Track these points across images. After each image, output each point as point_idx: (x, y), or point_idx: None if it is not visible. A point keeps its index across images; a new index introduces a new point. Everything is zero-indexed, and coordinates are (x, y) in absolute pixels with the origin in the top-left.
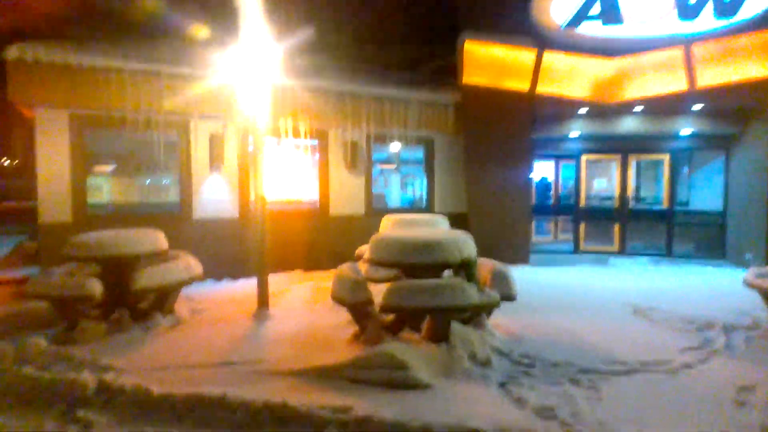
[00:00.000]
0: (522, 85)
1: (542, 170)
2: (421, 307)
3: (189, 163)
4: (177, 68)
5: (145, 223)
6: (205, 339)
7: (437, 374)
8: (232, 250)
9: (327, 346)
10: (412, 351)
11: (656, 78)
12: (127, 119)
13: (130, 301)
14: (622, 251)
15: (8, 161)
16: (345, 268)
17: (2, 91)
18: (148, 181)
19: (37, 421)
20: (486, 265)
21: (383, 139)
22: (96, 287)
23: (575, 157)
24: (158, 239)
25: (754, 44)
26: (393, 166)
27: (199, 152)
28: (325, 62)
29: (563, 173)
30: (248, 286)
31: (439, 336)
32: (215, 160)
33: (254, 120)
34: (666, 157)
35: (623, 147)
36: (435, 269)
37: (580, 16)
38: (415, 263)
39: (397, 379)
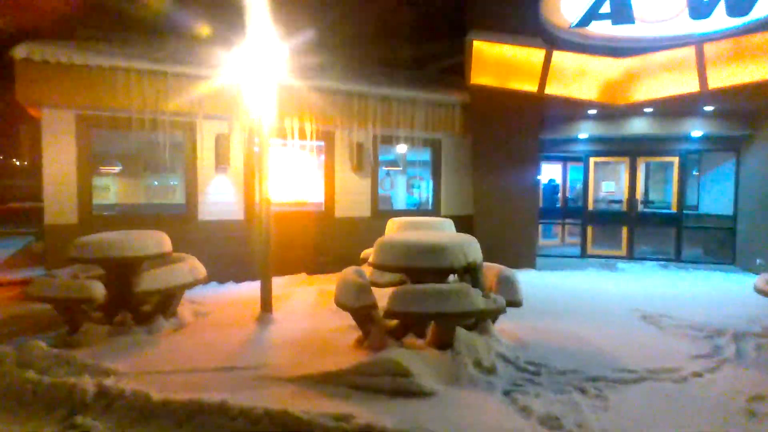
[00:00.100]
0: (530, 86)
1: (550, 172)
2: (426, 312)
3: (194, 163)
4: (183, 68)
5: (151, 224)
6: (207, 343)
7: (441, 381)
8: (236, 252)
9: (330, 351)
10: (416, 357)
11: (667, 79)
12: (133, 120)
13: (133, 303)
14: (630, 255)
15: (18, 162)
16: (349, 272)
17: (10, 90)
18: (155, 182)
19: (36, 427)
20: (492, 270)
21: (390, 141)
22: (98, 290)
23: (583, 159)
24: (162, 241)
25: None
26: (399, 168)
27: (205, 153)
28: (331, 62)
29: (571, 175)
30: (252, 289)
31: (444, 342)
32: (221, 161)
33: (260, 121)
34: (675, 160)
35: (632, 149)
36: (440, 274)
37: (590, 16)
38: (419, 267)
39: (400, 386)
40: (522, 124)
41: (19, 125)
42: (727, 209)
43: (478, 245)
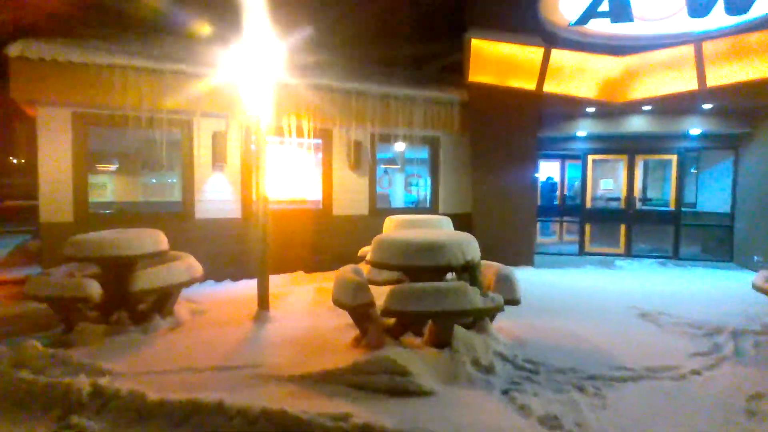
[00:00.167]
0: (529, 84)
1: (548, 170)
2: (424, 311)
3: (191, 161)
4: (180, 66)
5: (147, 222)
6: (204, 342)
7: (439, 380)
8: (234, 250)
9: (327, 349)
10: (413, 356)
11: (665, 77)
12: (130, 117)
13: (129, 302)
14: (628, 253)
15: (15, 160)
16: (346, 270)
17: (5, 88)
18: (153, 180)
19: (31, 427)
20: (490, 268)
21: (388, 138)
22: (94, 288)
23: (581, 156)
24: (159, 240)
25: (766, 42)
26: (397, 166)
27: (202, 151)
28: (329, 60)
29: (569, 173)
30: (249, 287)
31: (442, 341)
32: (218, 159)
33: (257, 118)
34: (674, 158)
35: (630, 147)
36: (438, 272)
37: (589, 14)
38: (417, 266)
39: (398, 386)
40: (520, 122)
41: (14, 123)
42: (724, 207)
43: (476, 243)
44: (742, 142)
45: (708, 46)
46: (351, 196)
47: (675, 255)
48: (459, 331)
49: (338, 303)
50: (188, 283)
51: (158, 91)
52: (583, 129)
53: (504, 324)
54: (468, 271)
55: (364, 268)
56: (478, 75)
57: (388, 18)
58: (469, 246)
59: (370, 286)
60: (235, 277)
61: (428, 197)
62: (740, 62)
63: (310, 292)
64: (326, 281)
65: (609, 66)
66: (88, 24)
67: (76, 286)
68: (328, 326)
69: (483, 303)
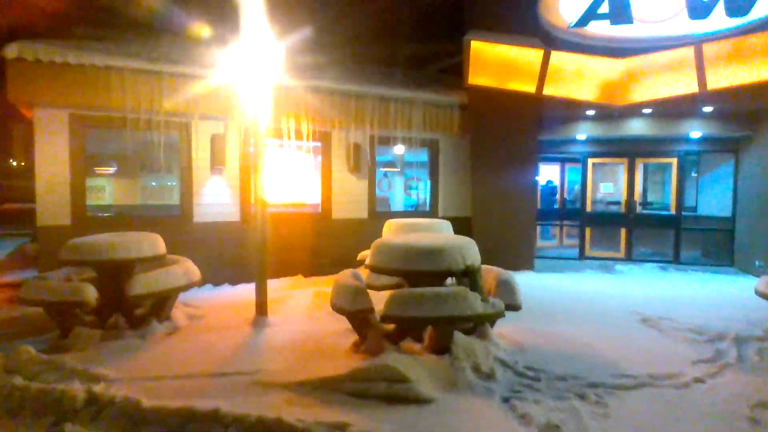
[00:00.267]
0: (528, 86)
1: (548, 174)
2: (424, 317)
3: (189, 164)
4: (178, 68)
5: (145, 225)
6: (201, 347)
7: (439, 387)
8: (232, 254)
9: (326, 355)
10: (413, 363)
11: (666, 79)
12: (128, 120)
13: (126, 307)
14: (628, 257)
15: (15, 162)
16: (345, 275)
17: (2, 90)
18: (153, 183)
19: None
20: (490, 273)
21: (387, 141)
22: (90, 293)
23: (581, 160)
24: (156, 243)
25: (767, 44)
26: (397, 169)
27: (200, 154)
28: (328, 62)
29: (569, 176)
30: (248, 291)
31: (442, 347)
32: (216, 162)
33: (255, 121)
34: (674, 161)
35: (630, 150)
36: (438, 277)
37: (589, 16)
38: (417, 270)
39: (397, 393)
40: (520, 125)
41: (12, 125)
42: (725, 211)
43: (476, 248)
44: (743, 145)
45: (708, 48)
46: (350, 199)
47: (675, 259)
48: (459, 336)
49: (337, 308)
50: (186, 288)
51: (156, 92)
52: (582, 132)
53: (504, 329)
54: (468, 276)
55: (364, 272)
56: (477, 77)
57: (387, 20)
58: (469, 250)
59: (369, 291)
60: (234, 281)
61: (428, 200)
62: (741, 64)
63: (309, 296)
64: (325, 285)
65: (609, 68)
66: (86, 25)
67: (72, 291)
68: (326, 331)
69: (484, 308)
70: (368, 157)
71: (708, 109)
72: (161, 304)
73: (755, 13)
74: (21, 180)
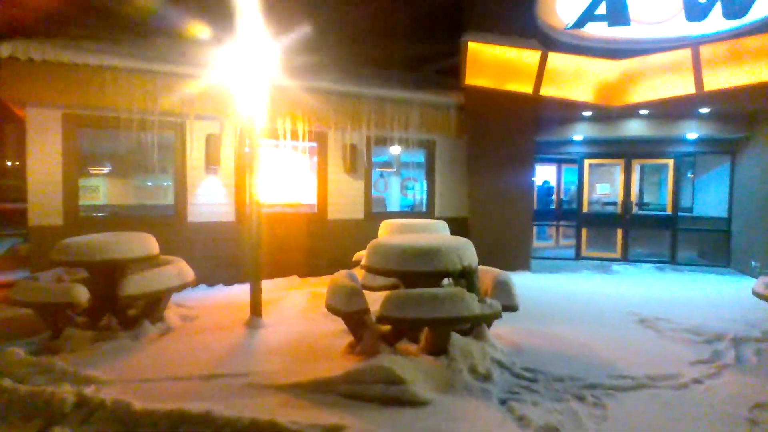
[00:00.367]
0: (526, 87)
1: (544, 174)
2: (420, 318)
3: (184, 164)
4: (172, 67)
5: (139, 226)
6: (194, 348)
7: (436, 389)
8: (227, 254)
9: (321, 357)
10: (409, 364)
11: (662, 81)
12: (122, 119)
13: (118, 307)
14: (624, 258)
15: (9, 162)
16: (341, 275)
17: None
18: (149, 183)
19: None
20: (487, 274)
21: (383, 142)
22: (82, 294)
23: (578, 161)
24: (149, 243)
25: (764, 46)
26: (393, 170)
27: (195, 154)
28: (324, 62)
29: (565, 177)
30: (242, 292)
31: (439, 348)
32: (211, 162)
33: (251, 121)
34: (670, 162)
35: (627, 151)
36: (434, 278)
37: (586, 17)
38: (413, 271)
39: (393, 395)
40: (517, 126)
41: (4, 124)
42: (721, 211)
43: (473, 248)
44: (739, 146)
45: (705, 50)
46: (346, 199)
47: (672, 260)
48: (456, 338)
49: (332, 309)
50: (179, 288)
51: (150, 92)
52: (579, 133)
53: (501, 330)
54: (465, 277)
55: (359, 273)
56: (474, 78)
57: (384, 20)
58: (466, 251)
59: (365, 291)
60: (228, 282)
61: (424, 201)
62: (738, 66)
63: (304, 297)
64: (321, 286)
65: (606, 69)
66: (80, 24)
67: (62, 292)
68: (321, 332)
69: (481, 309)
70: (364, 158)
71: (704, 110)
72: (154, 304)
73: (752, 15)
74: (14, 180)
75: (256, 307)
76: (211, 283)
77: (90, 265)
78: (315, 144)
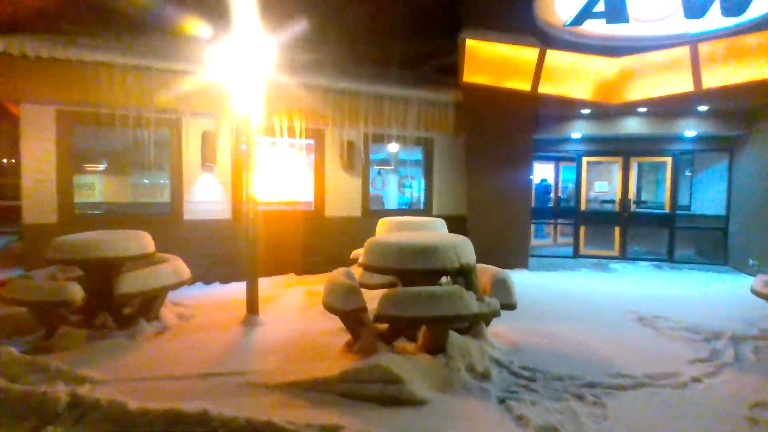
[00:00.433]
0: (524, 85)
1: (542, 172)
2: (418, 316)
3: (180, 162)
4: (168, 64)
5: (135, 223)
6: (190, 347)
7: (433, 388)
8: (224, 252)
9: (318, 355)
10: (407, 363)
11: (661, 78)
12: (117, 116)
13: (113, 306)
14: (622, 256)
15: (5, 160)
16: (338, 273)
17: None
18: (146, 180)
19: None
20: (486, 272)
21: (381, 139)
22: (76, 292)
23: (576, 158)
24: (145, 241)
25: (762, 44)
26: (391, 167)
27: (191, 151)
28: (321, 58)
29: (563, 175)
30: (239, 290)
31: (436, 347)
32: (207, 160)
33: (247, 118)
34: (668, 160)
35: (625, 149)
36: (432, 276)
37: (584, 14)
38: (411, 269)
39: (391, 394)
40: (515, 124)
41: None
42: (719, 209)
43: (471, 246)
44: (737, 144)
45: (704, 48)
46: (343, 197)
47: (670, 258)
48: (454, 336)
49: (329, 307)
50: (175, 286)
51: (146, 89)
52: (577, 131)
53: (499, 328)
54: (463, 275)
55: (357, 271)
56: (472, 75)
57: (382, 17)
58: (464, 249)
59: (362, 290)
60: (225, 280)
61: (422, 199)
62: (736, 64)
63: (301, 295)
64: (318, 284)
65: (604, 67)
66: (74, 20)
67: (56, 290)
68: (318, 330)
69: (479, 308)
70: (362, 155)
71: (703, 108)
72: (150, 303)
73: (751, 13)
74: (8, 177)
75: (252, 305)
76: (207, 281)
77: (85, 263)
78: (312, 141)
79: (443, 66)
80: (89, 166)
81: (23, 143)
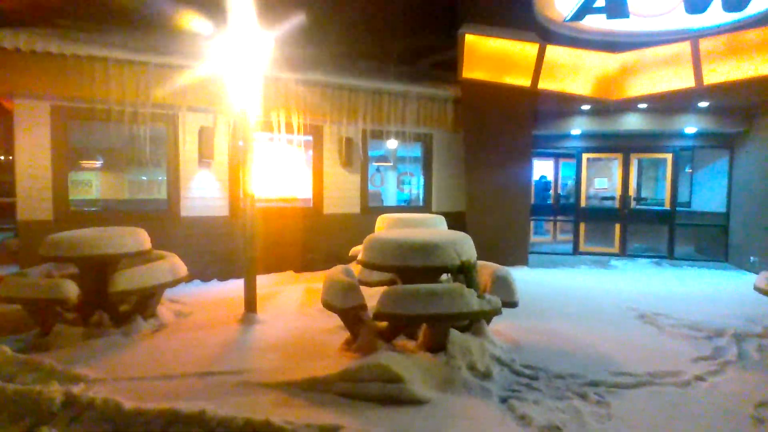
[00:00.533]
0: (523, 81)
1: (541, 169)
2: (418, 314)
3: (177, 158)
4: (164, 58)
5: (131, 220)
6: (187, 345)
7: (434, 387)
8: (221, 249)
9: (317, 354)
10: (407, 362)
11: (662, 74)
12: (113, 111)
13: (109, 303)
14: (622, 253)
15: (3, 157)
16: (337, 270)
17: None
18: (144, 177)
19: None
20: (486, 269)
21: (380, 135)
22: (71, 289)
23: (576, 155)
24: (141, 238)
25: (764, 40)
26: (389, 164)
27: (188, 147)
28: (320, 54)
29: (563, 172)
30: (237, 287)
31: (437, 345)
32: (204, 156)
33: (245, 114)
34: (669, 156)
35: (625, 145)
36: (432, 273)
37: (585, 10)
38: (411, 267)
39: (391, 394)
40: (515, 120)
41: None
42: (720, 206)
43: (471, 243)
44: (738, 140)
45: (705, 43)
46: (342, 194)
47: (670, 255)
48: (455, 334)
49: (328, 305)
50: (172, 284)
51: (142, 84)
52: (577, 127)
53: (499, 326)
54: (464, 272)
55: (356, 268)
56: (472, 71)
57: (380, 13)
58: (465, 246)
59: (361, 287)
60: (223, 277)
61: (421, 195)
62: (737, 60)
63: (299, 292)
64: (316, 281)
65: (605, 63)
66: (69, 14)
67: (51, 288)
68: (317, 328)
69: (480, 305)
70: (360, 152)
71: (704, 104)
72: (146, 300)
73: (752, 8)
74: (3, 173)
75: (250, 303)
76: (205, 279)
77: (80, 261)
78: (310, 137)
79: (442, 61)
80: (85, 163)
81: (17, 139)
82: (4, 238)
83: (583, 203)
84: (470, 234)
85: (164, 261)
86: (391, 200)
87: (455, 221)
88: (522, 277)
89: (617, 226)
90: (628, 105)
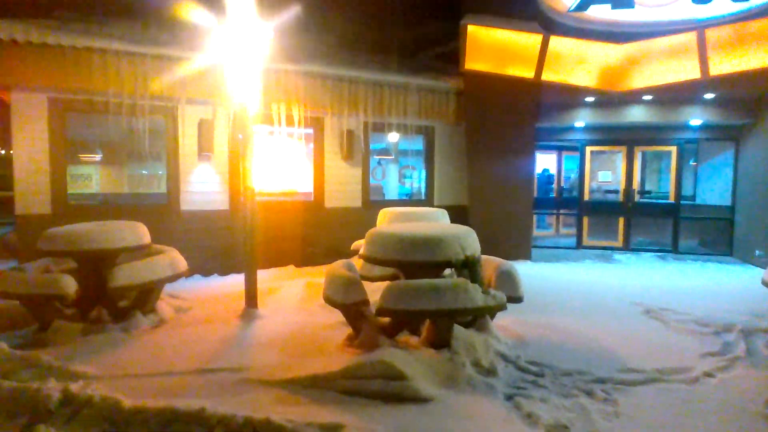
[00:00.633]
0: (526, 72)
1: (544, 162)
2: (422, 310)
3: (176, 151)
4: (163, 50)
5: (130, 214)
6: (187, 342)
7: (438, 384)
8: (221, 243)
9: (318, 350)
10: (410, 358)
11: (667, 65)
12: (111, 104)
13: (108, 299)
14: (626, 246)
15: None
16: (338, 265)
17: None
18: (144, 171)
19: None
20: (491, 264)
21: (381, 128)
22: (70, 285)
23: (579, 148)
24: (140, 233)
25: None
26: (391, 157)
27: (187, 140)
28: (320, 46)
29: (566, 165)
30: (237, 282)
31: (441, 341)
32: (204, 149)
33: (244, 106)
34: (673, 149)
35: (629, 138)
36: (436, 268)
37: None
38: (414, 261)
39: (394, 391)
40: (518, 112)
41: None
42: (724, 200)
43: (475, 237)
44: (744, 133)
45: (711, 34)
46: (343, 187)
47: (674, 249)
48: (459, 330)
49: (330, 301)
50: (172, 279)
51: (140, 76)
52: (581, 119)
53: (503, 322)
54: (467, 267)
55: (357, 262)
56: (474, 63)
57: (381, 3)
58: (469, 240)
59: (363, 282)
60: (224, 272)
61: (423, 189)
62: (743, 50)
63: (300, 287)
64: (318, 276)
65: (609, 54)
66: (66, 5)
67: (49, 283)
68: (319, 324)
69: (485, 301)
70: (362, 145)
71: (709, 96)
72: (146, 295)
73: None
74: (1, 167)
75: (251, 298)
76: (205, 273)
77: (78, 255)
78: (311, 130)
79: (444, 53)
80: (84, 156)
81: (14, 132)
82: (2, 233)
83: (586, 197)
84: (472, 227)
85: (164, 255)
86: (392, 194)
87: (457, 215)
88: (525, 271)
89: (621, 220)
90: (633, 97)
